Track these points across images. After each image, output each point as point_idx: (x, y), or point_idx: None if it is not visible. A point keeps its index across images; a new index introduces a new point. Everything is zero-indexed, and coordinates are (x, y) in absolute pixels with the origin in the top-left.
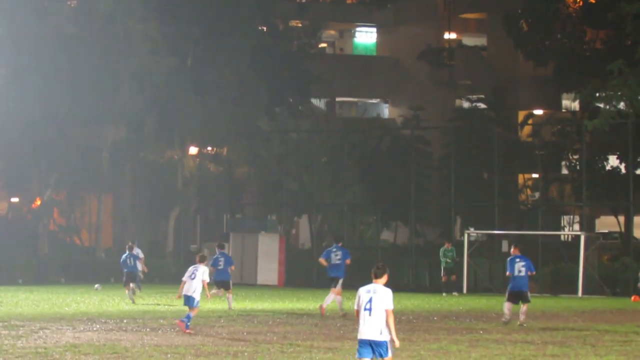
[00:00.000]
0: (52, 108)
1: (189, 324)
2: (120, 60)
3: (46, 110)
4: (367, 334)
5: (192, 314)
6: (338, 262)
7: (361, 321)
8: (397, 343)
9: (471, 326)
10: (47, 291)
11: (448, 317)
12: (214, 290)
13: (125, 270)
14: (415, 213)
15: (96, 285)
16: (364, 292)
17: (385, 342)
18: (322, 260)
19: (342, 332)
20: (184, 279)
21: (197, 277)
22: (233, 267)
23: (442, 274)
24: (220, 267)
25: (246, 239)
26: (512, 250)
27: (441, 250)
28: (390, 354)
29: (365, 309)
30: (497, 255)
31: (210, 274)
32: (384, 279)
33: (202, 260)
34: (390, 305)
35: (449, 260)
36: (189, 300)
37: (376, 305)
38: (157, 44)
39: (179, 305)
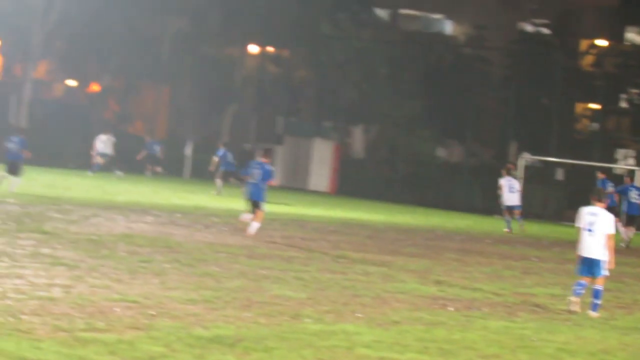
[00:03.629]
0: None
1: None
2: None
3: None
4: (586, 252)
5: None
6: None
7: (582, 240)
8: (611, 265)
9: (524, 252)
10: (98, 178)
11: (500, 242)
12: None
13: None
14: (471, 132)
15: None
16: (586, 213)
17: (600, 261)
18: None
19: (394, 246)
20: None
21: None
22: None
23: None
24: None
25: (300, 144)
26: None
27: None
28: (603, 272)
29: (586, 229)
30: (551, 182)
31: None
32: (604, 202)
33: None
34: (611, 230)
35: None
36: None
37: (597, 227)
38: None
39: (233, 205)
